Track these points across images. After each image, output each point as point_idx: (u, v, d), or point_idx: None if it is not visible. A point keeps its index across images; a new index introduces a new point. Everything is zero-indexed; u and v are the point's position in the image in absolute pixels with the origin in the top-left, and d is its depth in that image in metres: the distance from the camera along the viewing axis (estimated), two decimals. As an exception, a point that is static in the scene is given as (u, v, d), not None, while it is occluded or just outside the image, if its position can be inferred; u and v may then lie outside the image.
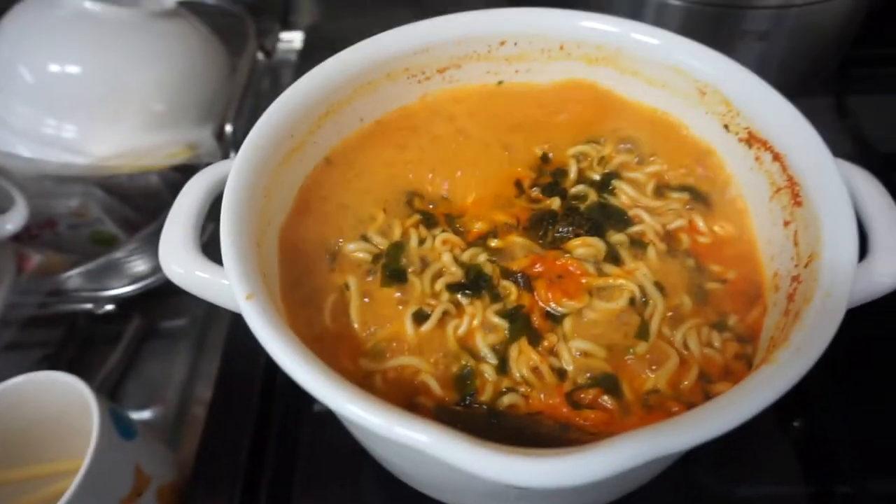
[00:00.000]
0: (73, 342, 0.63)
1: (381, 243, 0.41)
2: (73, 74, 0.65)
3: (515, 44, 0.48)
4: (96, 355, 0.64)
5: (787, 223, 0.39)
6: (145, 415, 0.60)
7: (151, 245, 0.61)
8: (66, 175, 0.55)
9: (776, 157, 0.40)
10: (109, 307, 0.56)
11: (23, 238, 0.57)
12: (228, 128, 0.71)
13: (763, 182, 0.41)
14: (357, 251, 0.41)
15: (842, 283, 0.31)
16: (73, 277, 0.57)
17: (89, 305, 0.56)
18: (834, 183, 0.35)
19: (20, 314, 0.56)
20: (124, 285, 0.58)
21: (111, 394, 0.60)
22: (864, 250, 0.36)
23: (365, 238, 0.42)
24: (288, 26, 0.92)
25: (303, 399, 0.55)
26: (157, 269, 0.61)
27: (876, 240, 0.36)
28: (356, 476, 0.52)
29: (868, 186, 0.39)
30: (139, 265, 0.60)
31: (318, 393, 0.29)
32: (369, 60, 0.46)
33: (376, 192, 0.44)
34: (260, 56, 0.84)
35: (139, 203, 0.61)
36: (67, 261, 0.56)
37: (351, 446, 0.47)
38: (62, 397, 0.47)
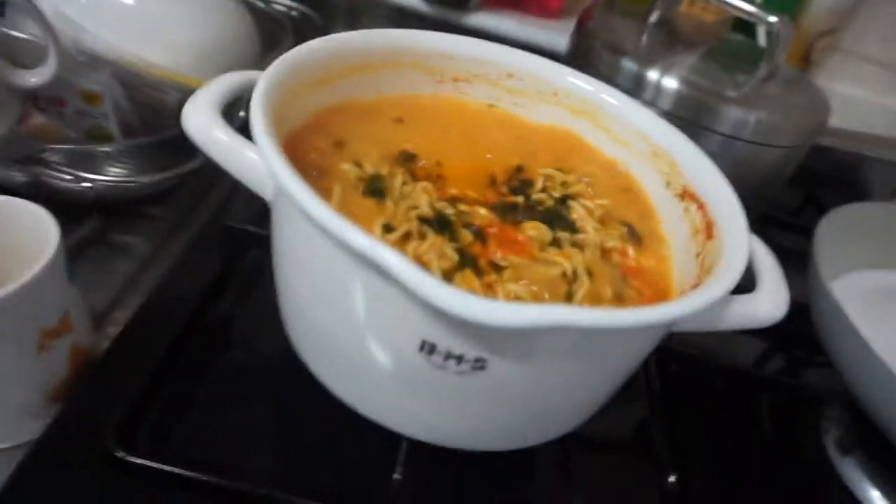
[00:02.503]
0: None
1: (372, 171, 0.48)
2: (125, 3, 0.72)
3: (521, 80, 0.59)
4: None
5: (698, 254, 0.47)
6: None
7: (139, 156, 0.65)
8: (102, 56, 0.60)
9: (700, 206, 0.49)
10: (87, 185, 0.59)
11: (31, 105, 0.61)
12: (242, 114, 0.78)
13: (686, 227, 0.50)
14: (348, 170, 0.47)
15: (731, 273, 0.39)
16: (58, 153, 0.59)
17: (68, 178, 0.58)
18: (741, 221, 0.45)
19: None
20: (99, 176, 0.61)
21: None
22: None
23: (358, 164, 0.48)
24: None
25: (228, 339, 0.58)
26: (132, 176, 0.64)
27: (763, 283, 0.45)
28: (260, 408, 0.53)
29: (765, 251, 0.48)
30: (118, 169, 0.64)
31: (314, 208, 0.34)
32: (401, 45, 0.55)
33: (376, 141, 0.51)
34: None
35: (147, 116, 0.66)
36: (62, 134, 0.59)
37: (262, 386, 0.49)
38: (23, 230, 0.48)
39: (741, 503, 0.57)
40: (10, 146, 0.57)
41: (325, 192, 0.45)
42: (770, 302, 0.44)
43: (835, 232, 0.73)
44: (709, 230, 0.47)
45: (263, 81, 0.42)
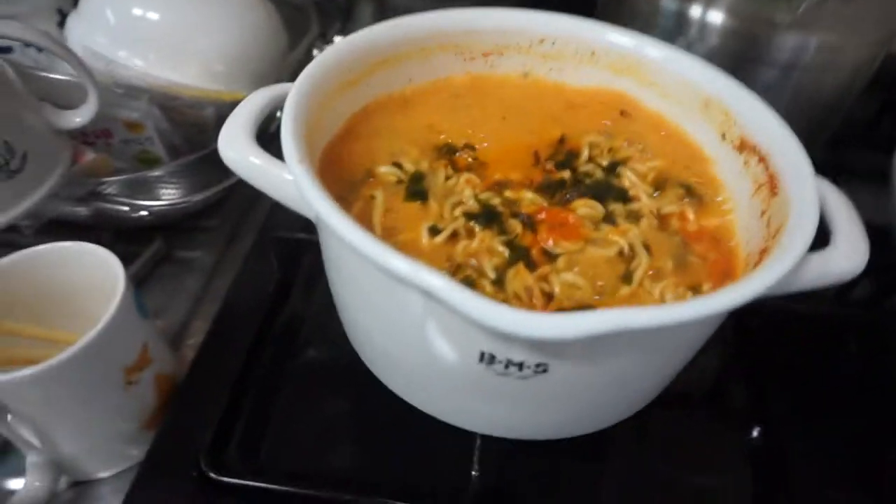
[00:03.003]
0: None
1: (412, 170, 0.47)
2: (151, 20, 0.72)
3: (553, 43, 0.55)
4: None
5: (763, 212, 0.44)
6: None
7: (189, 174, 0.67)
8: (136, 86, 0.61)
9: (761, 159, 0.46)
10: (144, 213, 0.61)
11: (79, 141, 0.63)
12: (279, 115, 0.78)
13: (748, 182, 0.47)
14: (388, 172, 0.47)
15: (801, 239, 0.37)
16: (114, 184, 0.62)
17: (125, 208, 0.60)
18: (807, 173, 0.41)
19: (59, 206, 0.60)
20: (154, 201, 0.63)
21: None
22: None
23: (398, 165, 0.47)
24: (348, 33, 1.00)
25: (298, 340, 0.59)
26: (186, 195, 0.66)
27: (837, 236, 0.42)
28: (337, 413, 0.55)
29: (838, 198, 0.45)
30: (172, 189, 0.65)
31: (353, 238, 0.34)
32: (426, 29, 0.53)
33: (414, 136, 0.51)
34: (315, 51, 0.92)
35: (189, 133, 0.67)
36: (114, 166, 0.61)
37: (337, 385, 0.50)
38: (92, 272, 0.51)
39: (830, 451, 0.55)
40: (70, 186, 0.59)
41: (367, 201, 0.45)
42: (846, 256, 0.41)
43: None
44: (773, 185, 0.44)
45: (291, 102, 0.42)
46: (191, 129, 0.67)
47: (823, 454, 0.54)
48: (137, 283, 0.67)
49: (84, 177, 0.59)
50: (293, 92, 0.43)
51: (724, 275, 0.45)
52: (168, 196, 0.66)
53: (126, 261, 0.70)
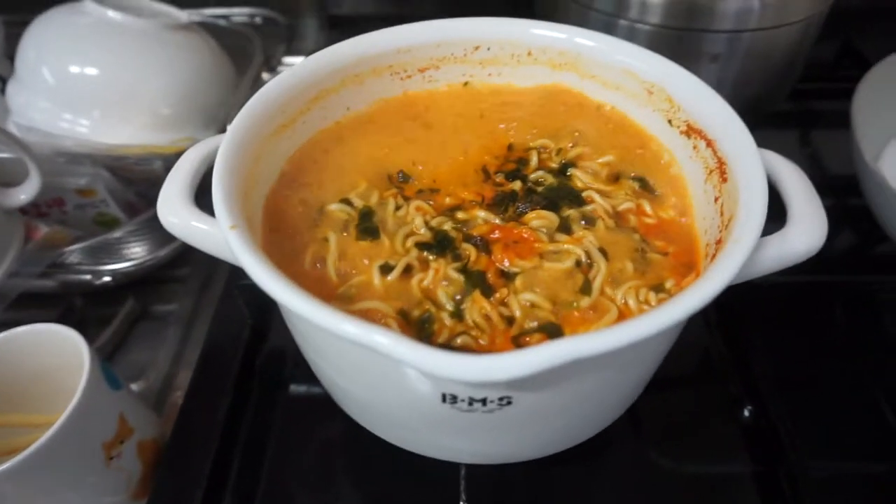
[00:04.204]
0: (67, 323, 0.67)
1: (361, 206, 0.46)
2: (90, 76, 0.72)
3: (489, 48, 0.54)
4: (90, 335, 0.68)
5: (716, 199, 0.44)
6: (132, 388, 0.63)
7: (149, 229, 0.66)
8: (78, 153, 0.60)
9: (709, 143, 0.45)
10: (107, 279, 0.60)
11: (32, 214, 0.62)
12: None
13: (699, 167, 0.46)
14: (338, 210, 0.46)
15: (750, 230, 0.36)
16: (74, 252, 0.61)
17: (88, 277, 0.60)
18: (752, 157, 0.40)
19: (20, 285, 0.60)
20: (120, 262, 0.62)
21: (100, 368, 0.64)
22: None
23: (346, 201, 0.47)
24: (295, 52, 0.99)
25: (279, 382, 0.59)
26: (152, 252, 0.66)
27: (793, 214, 0.41)
28: (325, 451, 0.55)
29: (791, 173, 0.44)
30: (136, 247, 0.65)
31: (293, 304, 0.33)
32: (357, 55, 0.51)
33: (359, 168, 0.49)
34: (264, 74, 0.91)
35: (142, 189, 0.66)
36: (71, 235, 0.61)
37: (321, 422, 0.50)
38: (59, 351, 0.50)
39: (822, 421, 0.54)
40: (28, 264, 0.59)
41: (321, 244, 0.44)
42: (804, 236, 0.40)
43: (878, 94, 0.66)
44: (722, 170, 0.43)
45: (220, 161, 0.41)
46: (143, 184, 0.66)
47: (815, 426, 0.53)
48: (115, 345, 0.67)
49: (42, 251, 0.59)
50: (221, 149, 0.42)
51: (687, 267, 0.44)
52: (134, 255, 0.65)
53: (101, 323, 0.72)
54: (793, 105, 0.85)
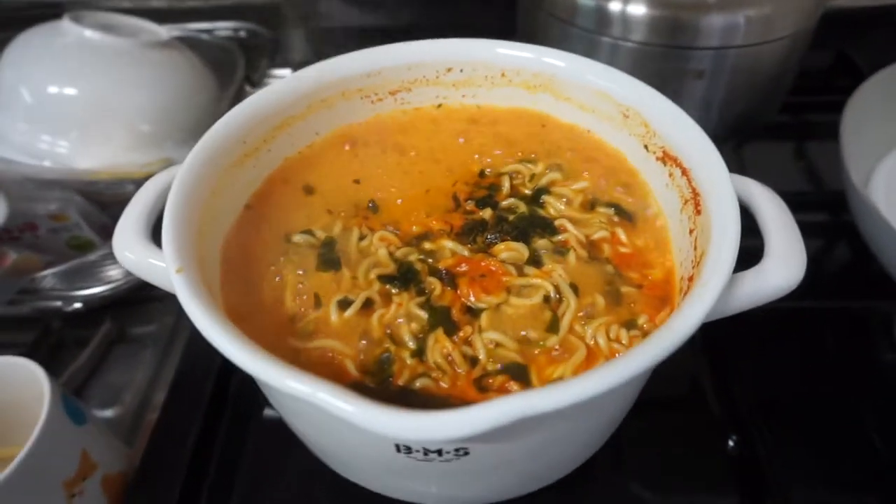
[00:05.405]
0: (44, 345, 0.66)
1: (323, 237, 0.45)
2: (69, 96, 0.71)
3: (461, 70, 0.53)
4: (67, 358, 0.67)
5: (691, 231, 0.42)
6: (106, 413, 0.62)
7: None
8: (47, 178, 0.59)
9: (684, 171, 0.43)
10: (78, 305, 0.59)
11: (4, 239, 0.61)
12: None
13: (675, 196, 0.44)
14: (300, 242, 0.44)
15: (720, 272, 0.34)
16: (47, 277, 0.60)
17: (59, 303, 0.59)
18: (726, 191, 0.39)
19: (-7, 310, 0.59)
20: (95, 287, 0.61)
21: (76, 393, 0.63)
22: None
23: (309, 232, 0.45)
24: (280, 64, 0.98)
25: (252, 406, 0.58)
26: (128, 274, 0.65)
27: (771, 248, 0.39)
28: (299, 481, 0.53)
29: (769, 203, 0.42)
30: (111, 270, 0.64)
31: (237, 357, 0.32)
32: (324, 80, 0.50)
33: (324, 197, 0.48)
34: (247, 88, 0.90)
35: (115, 212, 0.65)
36: (42, 261, 0.60)
37: (294, 449, 0.49)
38: (20, 384, 0.49)
39: (807, 451, 0.52)
40: (-2, 292, 0.58)
41: (281, 278, 0.43)
42: (782, 269, 0.38)
43: (866, 113, 0.64)
44: (696, 202, 0.41)
45: (172, 199, 0.39)
46: (118, 206, 0.65)
47: (802, 455, 0.51)
48: (90, 370, 0.66)
49: (11, 278, 0.58)
50: (174, 186, 0.40)
51: (662, 301, 0.42)
52: (110, 277, 0.64)
53: (79, 345, 0.71)
54: (788, 117, 0.82)
